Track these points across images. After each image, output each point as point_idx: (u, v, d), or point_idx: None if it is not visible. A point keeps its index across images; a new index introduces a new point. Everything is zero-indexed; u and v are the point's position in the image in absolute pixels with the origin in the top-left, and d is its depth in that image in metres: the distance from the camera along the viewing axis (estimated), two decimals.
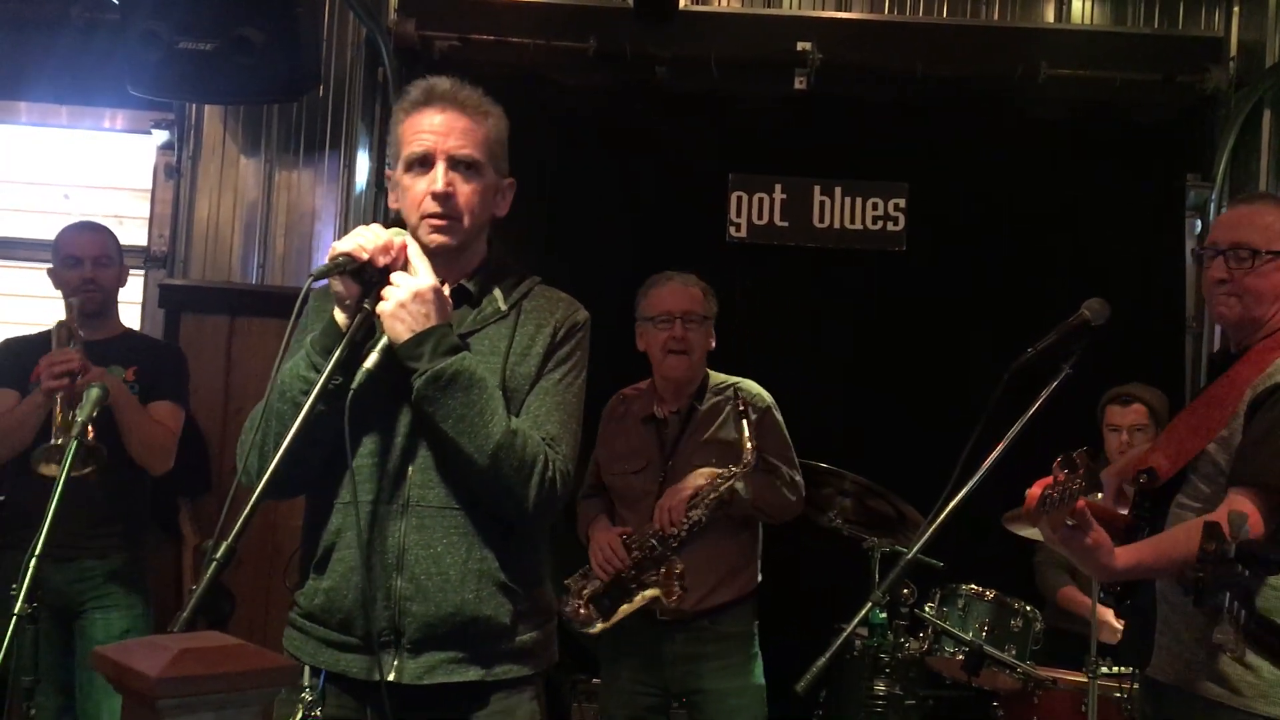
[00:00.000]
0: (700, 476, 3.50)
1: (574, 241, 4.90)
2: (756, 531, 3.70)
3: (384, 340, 2.11)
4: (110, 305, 3.84)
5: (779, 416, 3.68)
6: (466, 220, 2.21)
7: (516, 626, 2.21)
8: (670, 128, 5.04)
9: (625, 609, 3.53)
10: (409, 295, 2.09)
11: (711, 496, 3.47)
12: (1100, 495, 2.58)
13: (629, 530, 3.58)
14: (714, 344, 3.70)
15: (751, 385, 3.70)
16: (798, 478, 3.64)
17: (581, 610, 3.58)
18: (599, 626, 3.58)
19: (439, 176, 2.18)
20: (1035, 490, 2.33)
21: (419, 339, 2.09)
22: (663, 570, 3.47)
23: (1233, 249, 2.56)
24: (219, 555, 1.81)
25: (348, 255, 2.08)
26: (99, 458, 3.31)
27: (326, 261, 2.09)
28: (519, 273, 2.35)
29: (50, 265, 3.80)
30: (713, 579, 3.55)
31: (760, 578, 3.71)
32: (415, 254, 2.14)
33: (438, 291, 2.12)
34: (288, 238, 4.88)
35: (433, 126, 2.20)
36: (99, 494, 3.57)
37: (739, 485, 3.48)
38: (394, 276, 2.11)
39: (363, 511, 2.15)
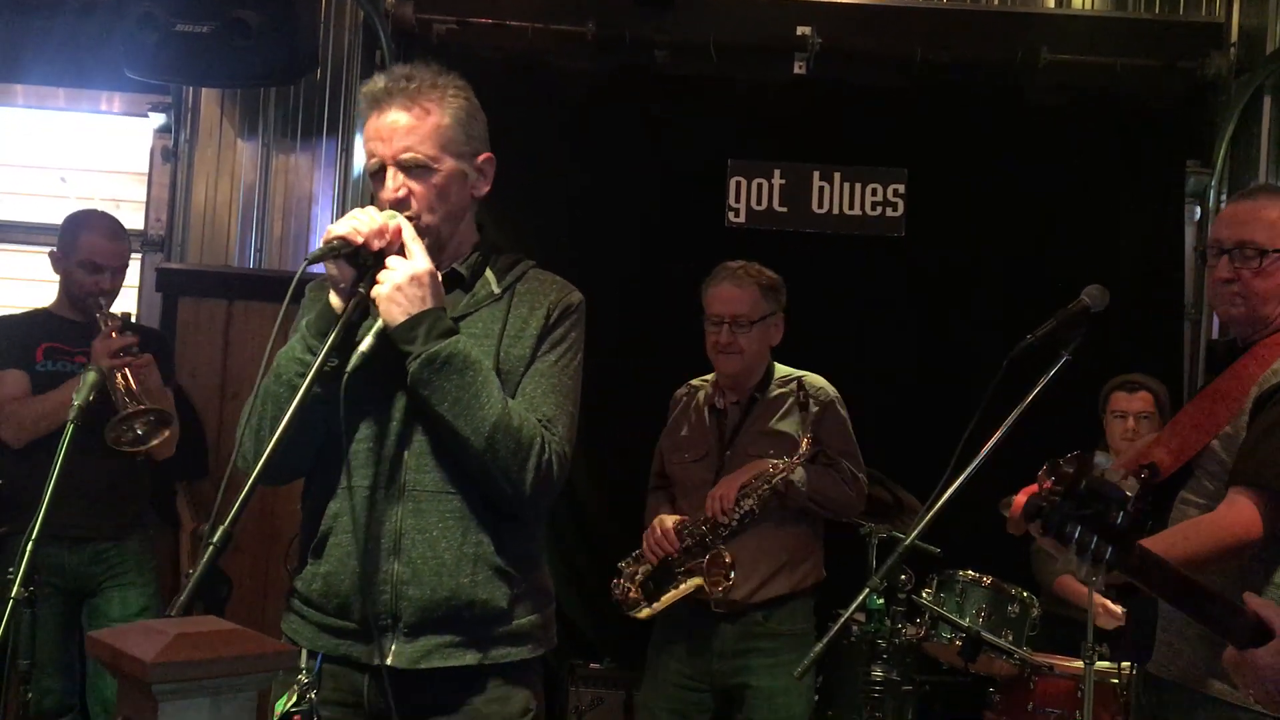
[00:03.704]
0: (755, 467, 3.47)
1: (572, 227, 4.88)
2: (817, 525, 3.64)
3: (378, 323, 2.10)
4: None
5: (843, 412, 3.63)
6: (426, 217, 2.19)
7: (513, 610, 2.21)
8: (669, 113, 5.02)
9: (669, 596, 3.50)
10: (405, 278, 2.08)
11: (764, 487, 3.42)
12: None
13: (684, 518, 3.54)
14: (779, 337, 3.66)
15: (816, 379, 3.66)
16: (860, 474, 3.58)
17: (631, 593, 3.56)
18: (645, 611, 3.55)
19: (389, 183, 2.18)
20: (1020, 499, 2.32)
21: (414, 322, 2.08)
22: (708, 558, 3.42)
23: (1238, 247, 2.51)
24: (215, 540, 1.81)
25: (342, 239, 2.07)
26: (166, 418, 3.49)
27: (321, 245, 2.08)
28: (512, 256, 2.34)
29: (53, 249, 3.76)
30: (767, 570, 3.50)
31: (824, 574, 3.65)
32: (410, 236, 2.13)
33: (433, 275, 2.12)
34: (285, 222, 4.87)
35: (378, 133, 2.19)
36: (107, 476, 3.60)
37: (795, 476, 3.44)
38: (389, 260, 2.10)
39: (359, 496, 2.15)
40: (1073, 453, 2.09)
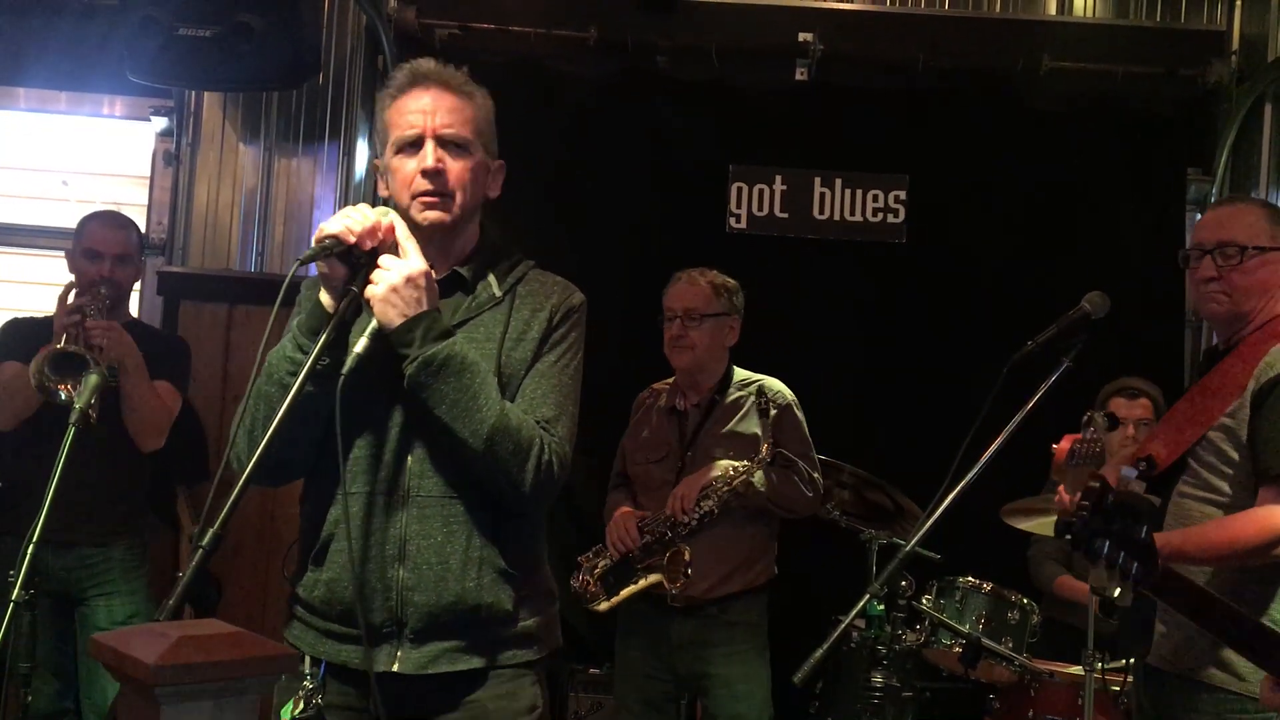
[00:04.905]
0: (717, 468, 3.57)
1: (574, 231, 4.88)
2: (773, 525, 3.75)
3: (373, 324, 2.08)
4: (123, 300, 3.83)
5: (800, 415, 3.74)
6: (459, 197, 2.20)
7: (518, 612, 2.20)
8: (671, 118, 5.02)
9: (628, 590, 3.60)
10: (401, 279, 2.06)
11: (724, 488, 3.53)
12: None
13: (646, 514, 3.64)
14: (734, 339, 3.79)
15: (774, 383, 3.77)
16: (816, 475, 3.69)
17: (590, 586, 3.65)
18: (603, 604, 3.65)
19: (429, 153, 2.17)
20: (1064, 444, 2.36)
21: (410, 324, 2.07)
22: (667, 556, 3.53)
23: (1219, 247, 2.63)
24: (205, 542, 1.79)
25: (335, 238, 2.04)
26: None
27: (313, 244, 2.06)
28: (513, 257, 2.33)
29: (68, 250, 3.77)
30: (724, 568, 3.61)
31: (775, 571, 3.77)
32: (404, 235, 2.11)
33: (428, 275, 2.11)
34: (287, 226, 4.87)
35: (420, 107, 2.19)
36: (99, 480, 3.58)
37: (755, 478, 3.54)
38: (383, 260, 2.08)
39: (361, 503, 2.14)
40: (1104, 412, 2.11)
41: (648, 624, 3.70)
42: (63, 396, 3.34)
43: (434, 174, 2.17)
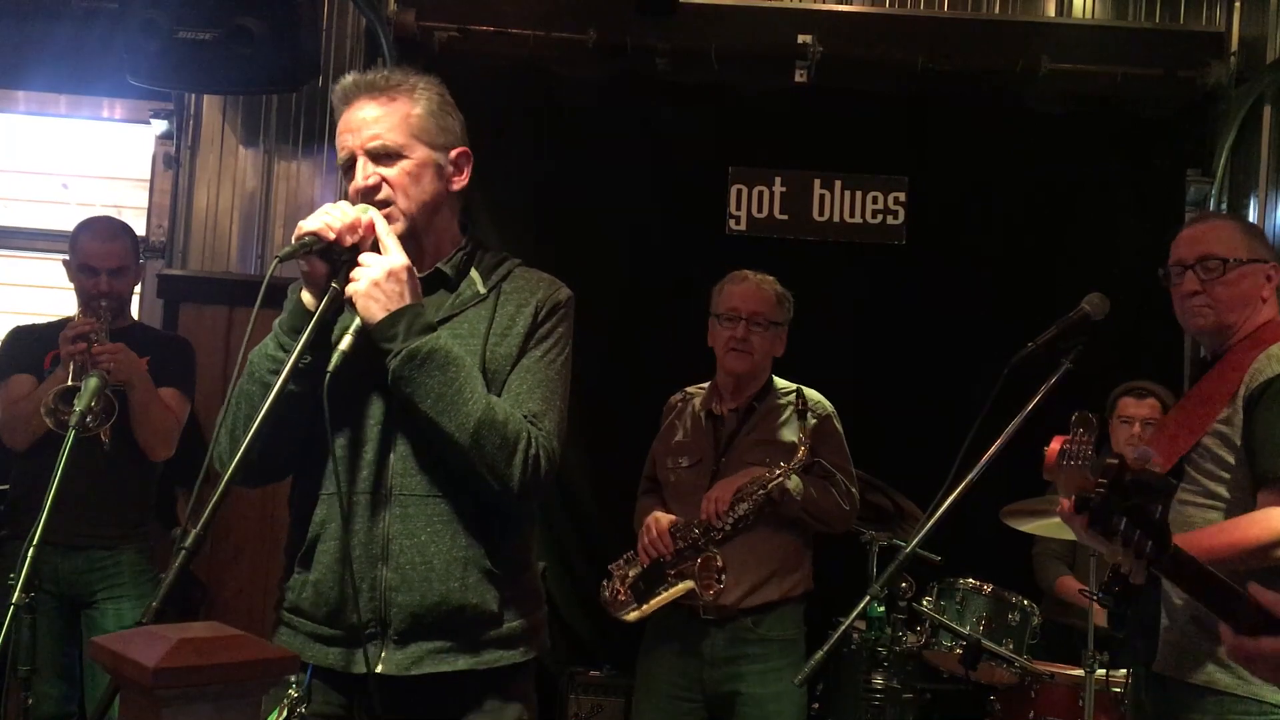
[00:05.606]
0: (752, 472, 3.47)
1: (572, 233, 4.89)
2: (808, 536, 3.63)
3: (356, 321, 2.06)
4: (125, 306, 3.83)
5: (839, 427, 3.66)
6: (402, 202, 2.17)
7: (504, 613, 2.18)
8: (670, 120, 5.02)
9: (660, 598, 3.47)
10: (383, 274, 2.05)
11: (759, 493, 3.42)
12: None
13: (678, 519, 3.53)
14: (781, 350, 3.71)
15: (814, 393, 3.68)
16: (853, 489, 3.60)
17: (620, 595, 3.54)
18: (634, 613, 3.53)
19: (359, 173, 2.16)
20: (1054, 446, 2.37)
21: (393, 319, 2.05)
22: (699, 561, 3.41)
23: (1201, 261, 2.67)
24: (187, 543, 1.79)
25: (314, 234, 2.03)
26: (110, 408, 3.37)
27: (293, 241, 2.04)
28: (498, 255, 2.32)
29: (65, 258, 3.78)
30: (757, 577, 3.50)
31: (813, 584, 3.65)
32: (384, 231, 2.10)
33: (410, 270, 2.10)
34: (286, 228, 4.87)
35: (347, 126, 2.19)
36: (111, 483, 3.58)
37: (791, 484, 3.44)
38: (363, 257, 2.07)
39: (345, 501, 2.12)
40: (1091, 414, 2.13)
41: (678, 638, 3.56)
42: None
43: (365, 193, 2.15)
